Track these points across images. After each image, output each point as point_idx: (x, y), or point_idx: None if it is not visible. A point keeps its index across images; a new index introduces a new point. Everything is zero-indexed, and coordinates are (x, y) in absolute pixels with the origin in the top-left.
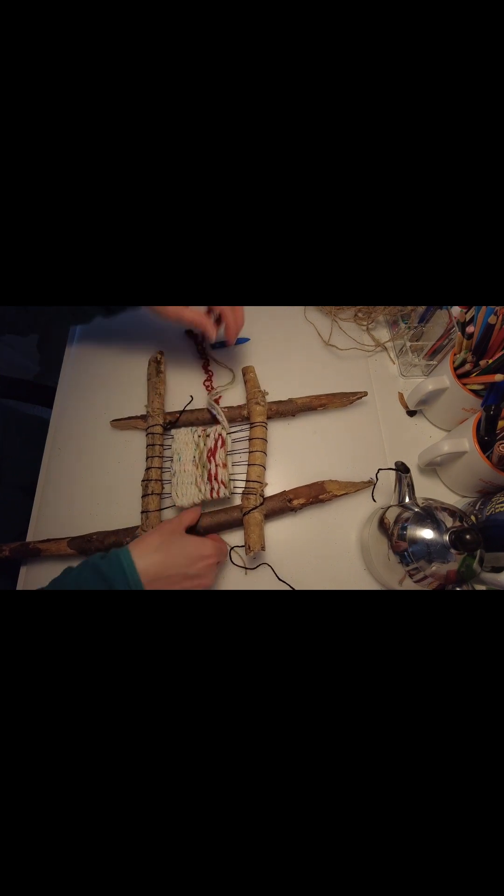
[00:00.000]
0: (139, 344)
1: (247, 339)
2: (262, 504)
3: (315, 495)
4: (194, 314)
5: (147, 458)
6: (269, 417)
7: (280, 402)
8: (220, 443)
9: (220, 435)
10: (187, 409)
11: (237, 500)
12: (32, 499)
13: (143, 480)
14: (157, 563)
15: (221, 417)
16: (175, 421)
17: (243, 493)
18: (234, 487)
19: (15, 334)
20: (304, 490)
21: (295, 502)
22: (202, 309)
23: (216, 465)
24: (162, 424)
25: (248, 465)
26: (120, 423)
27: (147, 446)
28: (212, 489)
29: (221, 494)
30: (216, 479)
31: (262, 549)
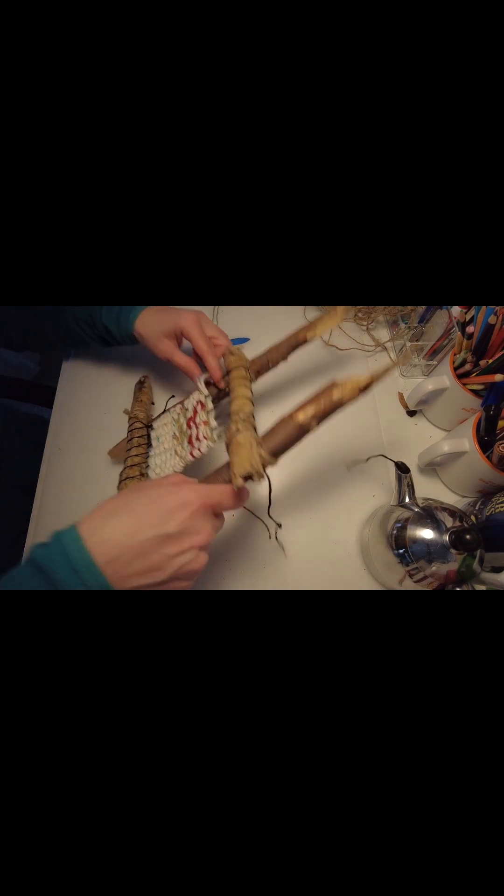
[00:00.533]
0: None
1: (247, 339)
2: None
3: (325, 407)
4: (184, 359)
5: (127, 450)
6: (256, 372)
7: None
8: (199, 406)
9: (198, 401)
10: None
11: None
12: (32, 498)
13: (120, 472)
14: (119, 531)
15: (200, 385)
16: (157, 417)
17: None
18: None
19: (9, 349)
20: (309, 403)
21: (300, 416)
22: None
23: (197, 427)
24: (143, 422)
25: (234, 399)
26: (116, 451)
27: (126, 440)
28: (192, 449)
29: (204, 450)
30: (197, 438)
31: (259, 476)
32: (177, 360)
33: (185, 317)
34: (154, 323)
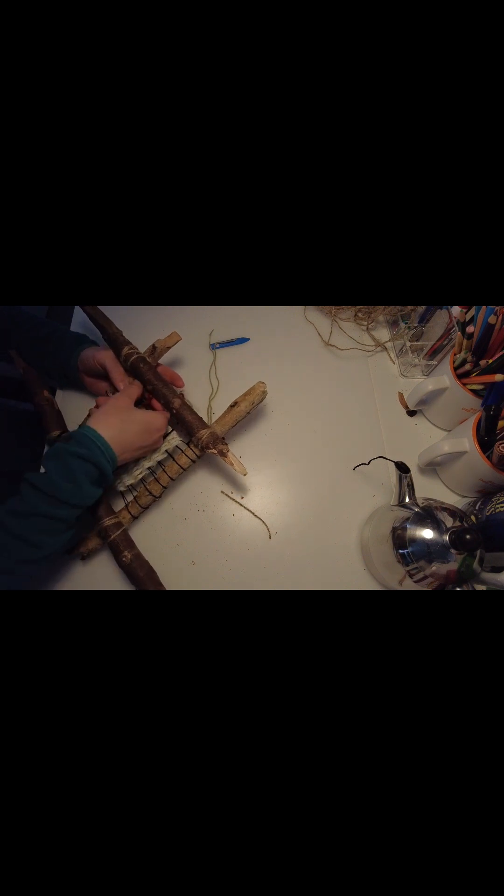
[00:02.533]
0: None
1: (247, 339)
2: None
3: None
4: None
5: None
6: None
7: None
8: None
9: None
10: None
11: None
12: None
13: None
14: (119, 439)
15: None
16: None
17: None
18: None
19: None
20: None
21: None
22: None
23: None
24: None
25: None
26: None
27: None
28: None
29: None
30: None
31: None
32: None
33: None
34: (86, 359)
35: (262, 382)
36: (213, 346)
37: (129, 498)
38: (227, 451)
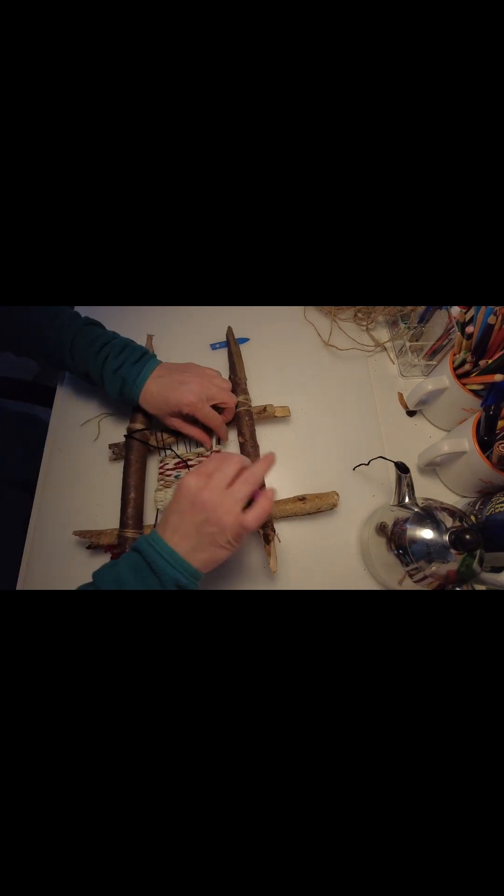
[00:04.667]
0: None
1: (246, 339)
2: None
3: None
4: (194, 431)
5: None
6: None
7: None
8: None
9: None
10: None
11: None
12: (29, 496)
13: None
14: (202, 559)
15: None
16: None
17: None
18: None
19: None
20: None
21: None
22: (212, 416)
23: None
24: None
25: None
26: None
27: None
28: None
29: None
30: None
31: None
32: (187, 433)
33: (188, 402)
34: (158, 402)
35: (337, 494)
36: (213, 346)
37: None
38: (272, 539)
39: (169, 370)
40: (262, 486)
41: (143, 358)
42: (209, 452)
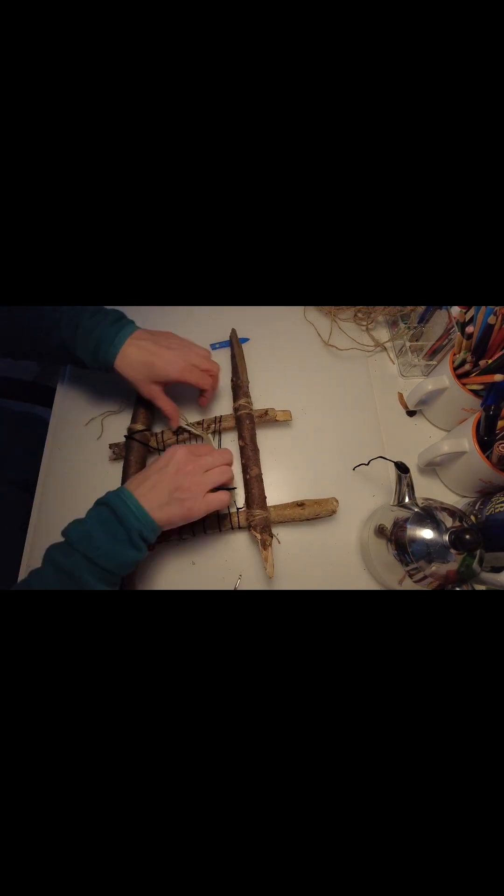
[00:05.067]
0: None
1: (246, 339)
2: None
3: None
4: (167, 405)
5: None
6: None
7: None
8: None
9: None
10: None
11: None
12: (29, 494)
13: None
14: (166, 516)
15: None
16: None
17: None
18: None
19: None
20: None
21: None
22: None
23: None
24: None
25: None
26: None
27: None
28: None
29: None
30: None
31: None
32: (160, 405)
33: (177, 367)
34: (139, 366)
35: (336, 500)
36: (213, 346)
37: None
38: (269, 544)
39: (151, 335)
40: (233, 485)
41: (119, 321)
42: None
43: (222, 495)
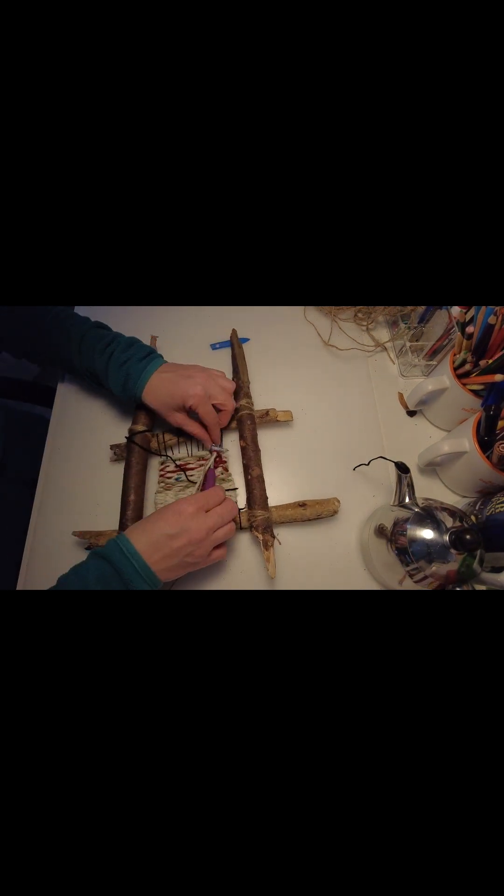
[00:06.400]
0: None
1: (247, 339)
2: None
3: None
4: (196, 429)
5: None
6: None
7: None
8: (205, 460)
9: (205, 459)
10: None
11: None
12: (34, 496)
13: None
14: (143, 535)
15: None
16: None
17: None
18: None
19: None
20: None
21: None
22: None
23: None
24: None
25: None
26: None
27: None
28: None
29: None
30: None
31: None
32: (189, 431)
33: (193, 393)
34: (163, 395)
35: (338, 501)
36: (213, 346)
37: None
38: (271, 545)
39: (174, 368)
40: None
41: (149, 356)
42: (209, 455)
43: (224, 551)
